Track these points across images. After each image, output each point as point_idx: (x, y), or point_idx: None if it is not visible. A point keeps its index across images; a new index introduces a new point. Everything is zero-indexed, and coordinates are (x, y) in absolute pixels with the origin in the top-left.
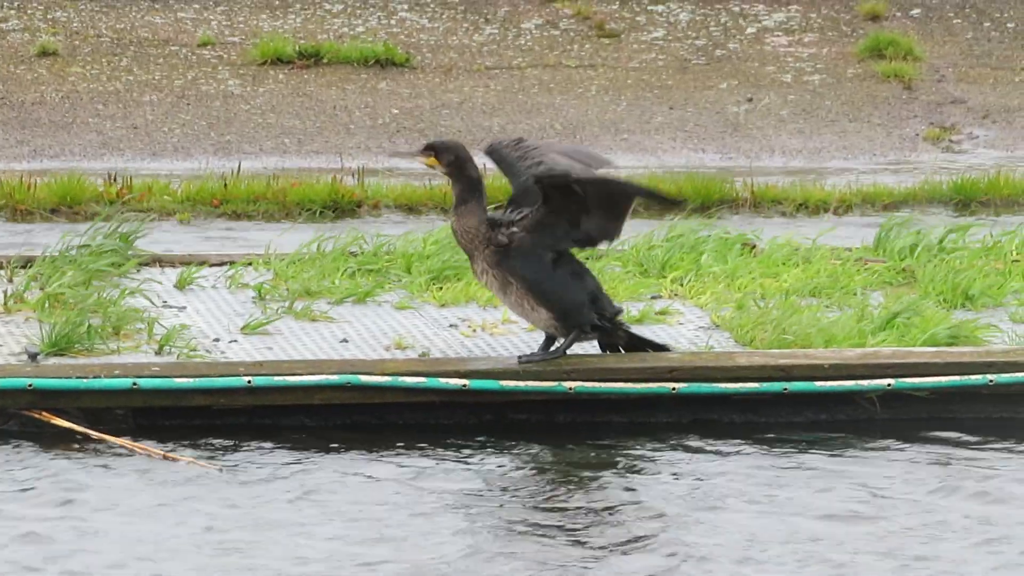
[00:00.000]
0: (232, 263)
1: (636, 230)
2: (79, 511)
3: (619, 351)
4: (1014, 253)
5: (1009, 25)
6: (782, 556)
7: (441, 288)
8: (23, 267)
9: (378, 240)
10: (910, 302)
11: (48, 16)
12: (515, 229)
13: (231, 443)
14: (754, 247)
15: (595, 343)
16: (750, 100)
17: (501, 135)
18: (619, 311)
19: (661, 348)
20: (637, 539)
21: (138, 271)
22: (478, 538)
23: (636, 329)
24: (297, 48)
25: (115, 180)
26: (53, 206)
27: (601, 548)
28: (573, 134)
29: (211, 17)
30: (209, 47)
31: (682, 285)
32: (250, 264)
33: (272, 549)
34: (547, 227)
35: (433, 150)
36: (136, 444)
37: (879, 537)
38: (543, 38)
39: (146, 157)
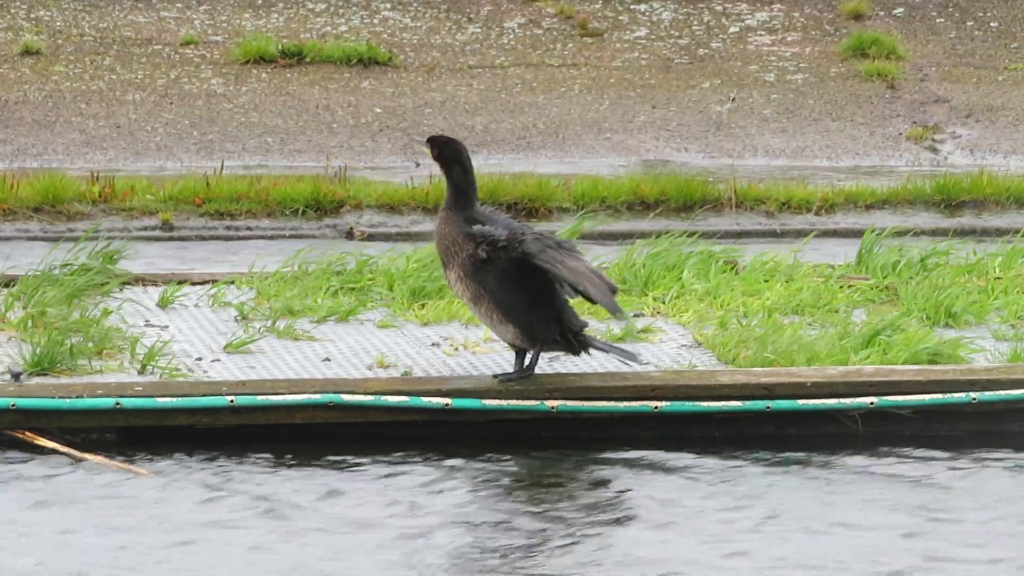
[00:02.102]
0: (215, 282)
1: (619, 246)
2: (61, 529)
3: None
4: (997, 271)
5: (992, 24)
6: (766, 574)
7: (423, 306)
8: (5, 286)
9: (361, 258)
10: (893, 319)
11: (31, 15)
12: (496, 250)
13: (214, 462)
14: (735, 265)
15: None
16: (733, 99)
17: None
18: (584, 325)
19: (631, 356)
20: (619, 557)
21: (120, 290)
22: (460, 556)
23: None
24: (280, 47)
25: (98, 179)
26: (36, 205)
27: (580, 566)
28: (556, 133)
29: (194, 16)
30: (192, 46)
31: (664, 303)
32: (232, 283)
33: (254, 567)
34: (524, 267)
35: (431, 141)
36: (119, 463)
37: (863, 555)
38: (526, 37)
39: (129, 156)
